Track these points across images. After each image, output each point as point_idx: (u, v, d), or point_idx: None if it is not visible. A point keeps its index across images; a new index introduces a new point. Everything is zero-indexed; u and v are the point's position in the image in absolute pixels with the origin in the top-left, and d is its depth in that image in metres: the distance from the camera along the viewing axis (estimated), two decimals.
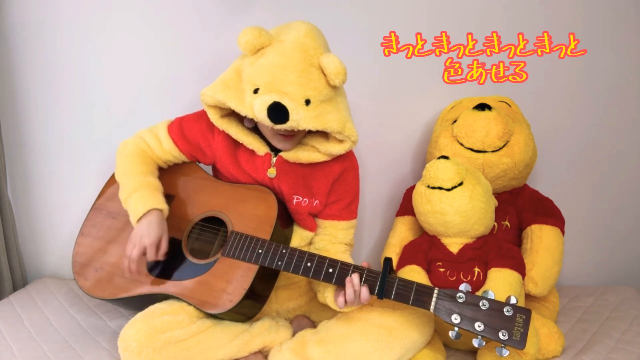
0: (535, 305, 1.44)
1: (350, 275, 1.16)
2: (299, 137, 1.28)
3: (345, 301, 1.16)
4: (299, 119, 1.17)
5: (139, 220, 1.25)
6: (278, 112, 1.16)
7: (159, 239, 1.24)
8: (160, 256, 1.25)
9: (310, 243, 1.41)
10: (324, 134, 1.30)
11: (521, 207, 1.48)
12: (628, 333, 1.39)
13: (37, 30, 1.60)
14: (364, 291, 1.14)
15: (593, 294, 1.63)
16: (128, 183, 1.30)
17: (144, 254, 1.23)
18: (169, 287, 1.26)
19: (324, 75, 1.19)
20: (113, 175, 1.46)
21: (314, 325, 1.37)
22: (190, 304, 1.22)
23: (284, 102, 1.16)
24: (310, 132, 1.30)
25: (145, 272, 1.30)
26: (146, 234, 1.23)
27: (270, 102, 1.15)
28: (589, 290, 1.66)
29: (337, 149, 1.27)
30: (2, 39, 1.60)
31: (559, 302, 1.52)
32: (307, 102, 1.18)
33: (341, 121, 1.22)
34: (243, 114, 1.21)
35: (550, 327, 1.31)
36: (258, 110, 1.17)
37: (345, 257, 1.35)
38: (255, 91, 1.19)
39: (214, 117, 1.29)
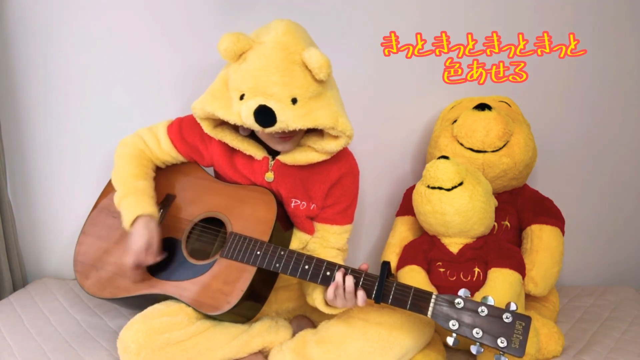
0: (535, 305, 1.44)
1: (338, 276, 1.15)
2: (298, 137, 1.27)
3: (335, 295, 1.15)
4: (287, 119, 1.14)
5: (131, 225, 1.27)
6: (264, 115, 1.13)
7: (146, 244, 1.24)
8: (151, 260, 1.25)
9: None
10: (319, 133, 1.28)
11: (521, 207, 1.48)
12: (628, 333, 1.39)
13: (38, 30, 1.60)
14: (360, 295, 1.13)
15: (593, 294, 1.63)
16: (120, 188, 1.32)
17: (137, 263, 1.25)
18: (168, 287, 1.26)
19: (309, 71, 1.17)
20: None
21: (314, 325, 1.36)
22: (189, 305, 1.23)
23: (270, 104, 1.13)
24: (306, 132, 1.29)
25: (145, 272, 1.30)
26: (133, 241, 1.24)
27: (255, 106, 1.14)
28: (589, 290, 1.66)
29: (332, 145, 1.24)
30: (2, 39, 1.60)
31: (559, 302, 1.52)
32: (294, 100, 1.16)
33: (333, 116, 1.19)
34: (232, 122, 1.20)
35: (550, 327, 1.31)
36: (245, 116, 1.15)
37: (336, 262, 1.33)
38: (242, 97, 1.17)
39: (207, 128, 1.28)
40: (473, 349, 1.04)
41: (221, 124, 1.31)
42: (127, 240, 1.27)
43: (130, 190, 1.30)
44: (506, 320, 1.03)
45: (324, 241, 1.36)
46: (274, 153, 1.31)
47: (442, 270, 1.34)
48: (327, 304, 1.21)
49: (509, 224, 1.46)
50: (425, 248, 1.39)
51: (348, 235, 1.39)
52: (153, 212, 1.29)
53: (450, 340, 1.06)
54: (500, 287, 1.24)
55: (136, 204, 1.28)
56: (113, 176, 1.36)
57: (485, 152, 1.42)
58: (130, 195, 1.29)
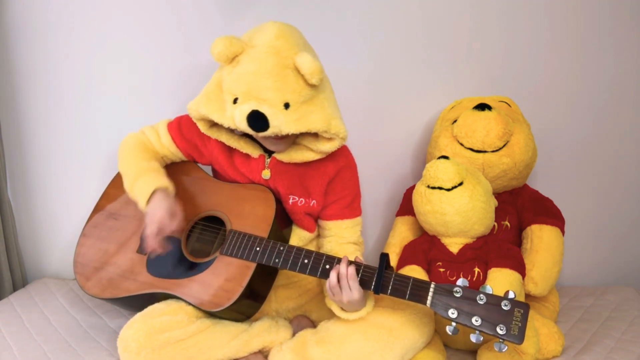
0: (535, 305, 1.44)
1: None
2: (291, 138, 1.28)
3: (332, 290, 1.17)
4: (280, 124, 1.16)
5: (147, 203, 1.26)
6: (257, 120, 1.14)
7: (169, 210, 1.24)
8: (176, 226, 1.25)
9: (309, 244, 1.40)
10: (314, 134, 1.28)
11: (521, 207, 1.48)
12: (628, 333, 1.39)
13: (38, 30, 1.60)
14: (350, 270, 1.14)
15: (593, 294, 1.63)
16: (131, 171, 1.31)
17: (161, 230, 1.23)
18: (168, 286, 1.26)
19: (301, 75, 1.17)
20: (115, 177, 1.46)
21: (314, 325, 1.37)
22: (190, 303, 1.23)
23: (263, 109, 1.14)
24: (301, 133, 1.30)
25: (145, 271, 1.30)
26: (157, 208, 1.24)
27: (248, 111, 1.14)
28: (589, 290, 1.66)
29: (327, 146, 1.26)
30: (2, 39, 1.61)
31: (559, 302, 1.52)
32: (287, 105, 1.16)
33: (325, 120, 1.20)
34: (226, 125, 1.21)
35: (550, 327, 1.31)
36: (238, 121, 1.16)
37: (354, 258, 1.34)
38: (235, 101, 1.18)
39: (203, 128, 1.29)
40: (472, 337, 1.04)
41: (217, 123, 1.31)
42: (147, 213, 1.24)
43: (143, 170, 1.30)
44: (505, 308, 1.04)
45: (339, 238, 1.37)
46: (270, 151, 1.32)
47: (442, 270, 1.34)
48: (342, 308, 1.22)
49: (509, 224, 1.46)
50: (425, 248, 1.39)
51: (360, 227, 1.40)
52: (169, 185, 1.30)
53: (449, 329, 1.06)
54: (500, 287, 1.23)
55: (152, 179, 1.28)
56: (121, 166, 1.36)
57: (485, 152, 1.42)
58: (144, 175, 1.29)
